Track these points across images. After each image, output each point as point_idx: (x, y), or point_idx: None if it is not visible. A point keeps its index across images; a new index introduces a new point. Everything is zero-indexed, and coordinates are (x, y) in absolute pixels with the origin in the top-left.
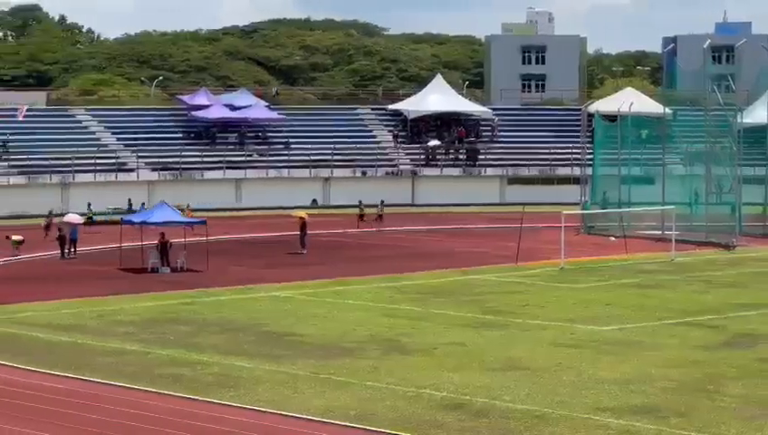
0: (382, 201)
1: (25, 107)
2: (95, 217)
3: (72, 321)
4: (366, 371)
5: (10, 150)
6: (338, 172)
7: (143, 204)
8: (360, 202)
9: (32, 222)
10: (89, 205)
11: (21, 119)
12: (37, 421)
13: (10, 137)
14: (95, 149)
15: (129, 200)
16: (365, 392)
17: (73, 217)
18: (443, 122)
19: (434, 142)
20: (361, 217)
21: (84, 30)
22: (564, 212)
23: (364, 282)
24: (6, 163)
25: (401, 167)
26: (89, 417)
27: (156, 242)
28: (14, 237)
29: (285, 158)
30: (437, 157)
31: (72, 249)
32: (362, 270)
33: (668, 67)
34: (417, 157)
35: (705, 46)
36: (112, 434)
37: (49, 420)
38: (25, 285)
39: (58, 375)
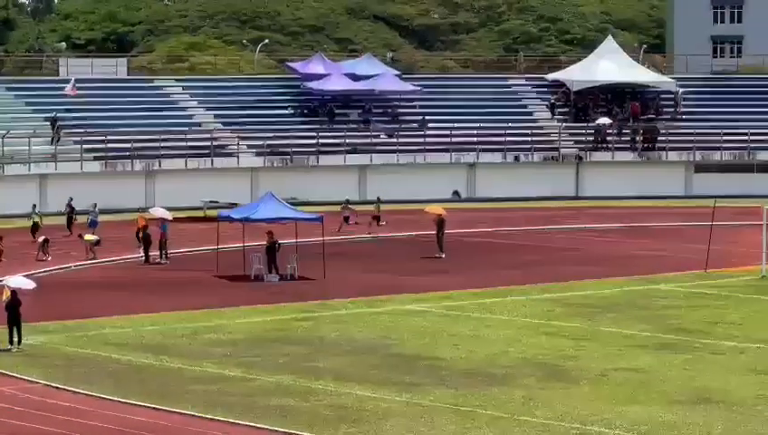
0: (378, 198)
1: (73, 79)
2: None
3: (160, 340)
4: (519, 403)
5: (81, 129)
6: (485, 157)
7: (95, 204)
8: (379, 199)
9: (111, 218)
10: (70, 199)
11: (71, 94)
12: None
13: (83, 114)
14: (186, 128)
15: (70, 200)
16: (517, 430)
17: (161, 212)
18: (614, 96)
19: (603, 120)
20: (377, 218)
21: None
22: (767, 207)
23: (517, 292)
24: (79, 146)
25: (563, 151)
26: None
27: (262, 243)
28: (88, 237)
29: (420, 139)
30: (607, 138)
31: (163, 251)
32: (515, 278)
33: None
34: (583, 138)
35: None
36: None
37: None
38: (103, 294)
39: (141, 406)
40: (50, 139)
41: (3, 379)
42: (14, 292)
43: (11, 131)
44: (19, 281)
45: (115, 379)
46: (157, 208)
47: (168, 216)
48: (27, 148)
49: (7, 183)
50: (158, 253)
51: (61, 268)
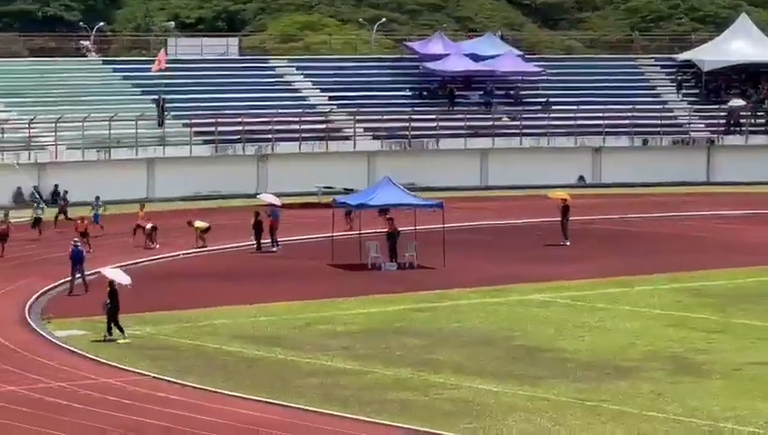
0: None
1: (163, 51)
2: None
3: (272, 331)
4: (647, 397)
5: (190, 111)
6: (611, 141)
7: (66, 192)
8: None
9: (221, 204)
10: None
11: (155, 71)
12: None
13: (192, 96)
14: (300, 110)
15: (65, 193)
16: (645, 425)
17: (270, 198)
18: (748, 76)
19: (736, 102)
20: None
21: None
22: None
23: (646, 282)
24: (188, 129)
25: (693, 134)
26: None
27: (379, 231)
28: (198, 223)
29: (544, 123)
30: (741, 121)
31: (273, 239)
32: (643, 267)
33: None
34: (715, 121)
35: None
36: None
37: None
38: (213, 284)
39: (253, 400)
40: (157, 121)
41: (111, 370)
42: (111, 282)
43: (118, 114)
44: (116, 273)
45: (225, 371)
46: (266, 194)
47: (278, 202)
48: (134, 131)
49: (114, 167)
50: (269, 241)
51: (169, 257)
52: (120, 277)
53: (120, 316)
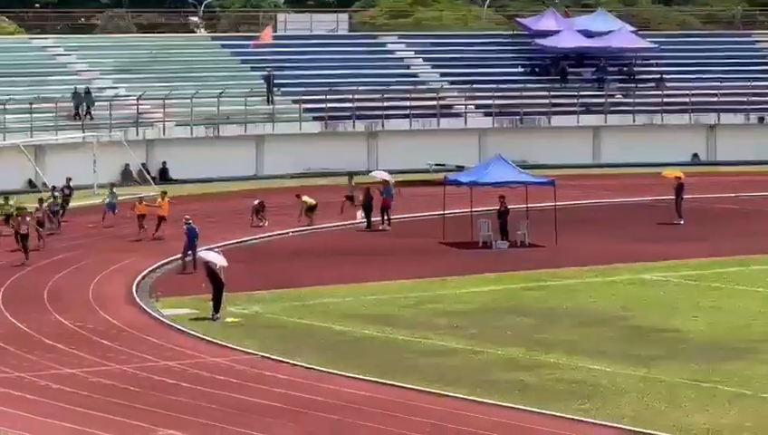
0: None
1: (269, 27)
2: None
3: (382, 310)
4: (765, 380)
5: (300, 88)
6: (725, 118)
7: (69, 179)
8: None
9: (330, 181)
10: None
11: (255, 46)
12: (308, 430)
13: (302, 72)
14: (411, 87)
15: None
16: (763, 408)
17: (383, 175)
18: None
19: None
20: (350, 198)
21: None
22: None
23: (762, 262)
24: (297, 106)
25: None
26: (399, 433)
27: (490, 208)
28: (306, 199)
29: (657, 99)
30: None
31: (385, 217)
32: (759, 246)
33: None
34: None
35: None
36: None
37: (336, 432)
38: (322, 262)
39: (362, 380)
40: (266, 98)
41: (219, 350)
42: (206, 263)
43: (226, 90)
44: (210, 255)
45: (335, 351)
46: (378, 171)
47: (391, 179)
48: (243, 107)
49: (224, 144)
50: (379, 218)
51: (278, 235)
52: (216, 259)
53: (222, 296)
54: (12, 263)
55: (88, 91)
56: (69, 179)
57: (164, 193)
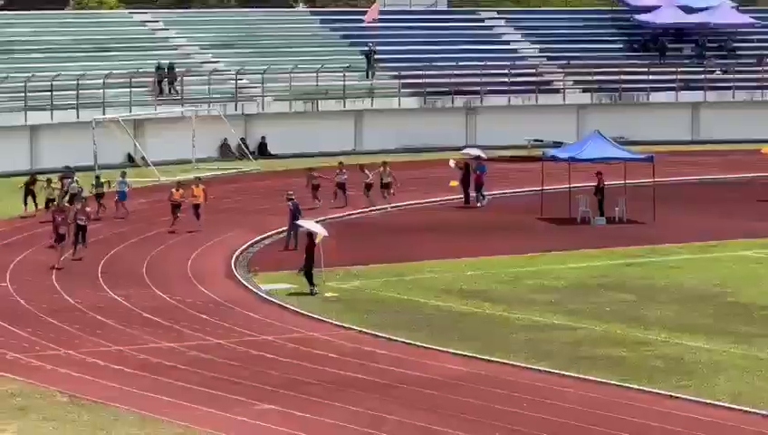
0: (385, 163)
1: (377, 4)
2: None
3: (480, 285)
4: None
5: (398, 63)
6: None
7: (124, 172)
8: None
9: (428, 157)
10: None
11: (368, 22)
12: (430, 412)
13: (400, 48)
14: (509, 63)
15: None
16: None
17: (476, 152)
18: None
19: None
20: (368, 187)
21: None
22: None
23: None
24: (396, 81)
25: None
26: (496, 409)
27: (588, 184)
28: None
29: (758, 76)
30: None
31: (479, 193)
32: None
33: None
34: None
35: None
36: (526, 430)
37: (448, 411)
38: (420, 237)
39: (461, 355)
40: (365, 73)
41: (316, 324)
42: (309, 234)
43: (325, 65)
44: (313, 225)
45: (433, 326)
46: (471, 148)
47: (483, 155)
48: (342, 83)
49: (322, 119)
50: (475, 194)
51: (376, 210)
52: (318, 229)
53: (314, 271)
54: (112, 236)
55: (171, 66)
56: (68, 168)
57: (198, 179)
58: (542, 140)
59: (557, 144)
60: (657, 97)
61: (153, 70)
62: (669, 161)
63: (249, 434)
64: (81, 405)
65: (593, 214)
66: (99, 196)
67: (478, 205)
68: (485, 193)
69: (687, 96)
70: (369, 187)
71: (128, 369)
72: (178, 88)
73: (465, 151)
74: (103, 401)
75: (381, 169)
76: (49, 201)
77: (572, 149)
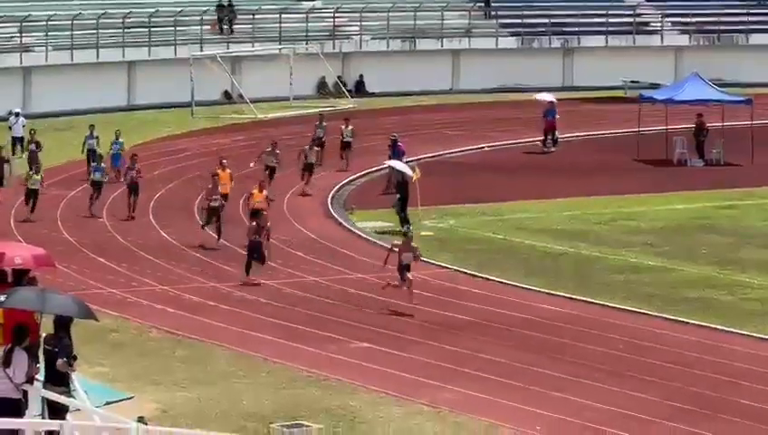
0: (347, 119)
1: None
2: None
3: (576, 226)
4: None
5: (494, 2)
6: None
7: (118, 131)
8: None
9: (523, 97)
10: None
11: None
12: (523, 352)
13: None
14: (607, 3)
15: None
16: None
17: (547, 96)
18: None
19: None
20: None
21: None
22: None
23: None
24: (494, 21)
25: None
26: (591, 350)
27: (685, 126)
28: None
29: None
30: None
31: (552, 139)
32: None
33: None
34: None
35: None
36: (620, 369)
37: (542, 351)
38: (515, 178)
39: (556, 295)
40: (465, 12)
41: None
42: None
43: (423, 4)
44: (401, 165)
45: (528, 266)
46: (542, 94)
47: (554, 99)
48: (440, 21)
49: (420, 58)
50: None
51: (471, 149)
52: (406, 169)
53: (408, 209)
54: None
55: (230, 4)
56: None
57: (222, 161)
58: (638, 81)
59: (654, 86)
60: (756, 39)
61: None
62: None
63: (344, 371)
64: (176, 341)
65: (690, 156)
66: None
67: (545, 150)
68: (558, 137)
69: None
70: (345, 145)
71: (223, 306)
72: (235, 27)
73: (537, 97)
74: (198, 338)
75: (343, 125)
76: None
77: (670, 90)
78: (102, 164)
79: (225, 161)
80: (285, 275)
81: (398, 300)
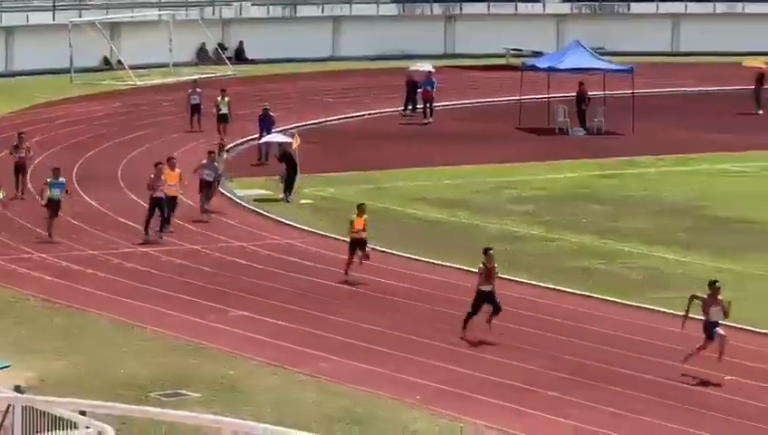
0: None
1: None
2: None
3: (456, 194)
4: None
5: None
6: None
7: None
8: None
9: (407, 64)
10: None
11: None
12: (405, 320)
13: None
14: None
15: None
16: None
17: (426, 66)
18: None
19: None
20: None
21: None
22: None
23: None
24: None
25: None
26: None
27: (566, 95)
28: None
29: None
30: None
31: (428, 108)
32: None
33: None
34: None
35: None
36: (500, 339)
37: (422, 321)
38: (396, 146)
39: (436, 264)
40: None
41: (292, 231)
42: (280, 145)
43: None
44: (279, 137)
45: (408, 234)
46: (421, 63)
47: (432, 69)
48: None
49: (300, 25)
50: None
51: (352, 117)
52: (286, 139)
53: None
54: (87, 139)
55: None
56: None
57: (171, 160)
58: (520, 50)
59: (536, 54)
60: (637, 8)
61: None
62: (649, 73)
63: (223, 340)
64: (53, 309)
65: (571, 124)
66: None
67: (425, 121)
68: (432, 109)
69: (668, 7)
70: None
71: (101, 273)
72: None
73: (415, 67)
74: (76, 306)
75: (219, 96)
76: None
77: (552, 58)
78: None
79: (174, 160)
80: (163, 242)
81: (276, 268)
